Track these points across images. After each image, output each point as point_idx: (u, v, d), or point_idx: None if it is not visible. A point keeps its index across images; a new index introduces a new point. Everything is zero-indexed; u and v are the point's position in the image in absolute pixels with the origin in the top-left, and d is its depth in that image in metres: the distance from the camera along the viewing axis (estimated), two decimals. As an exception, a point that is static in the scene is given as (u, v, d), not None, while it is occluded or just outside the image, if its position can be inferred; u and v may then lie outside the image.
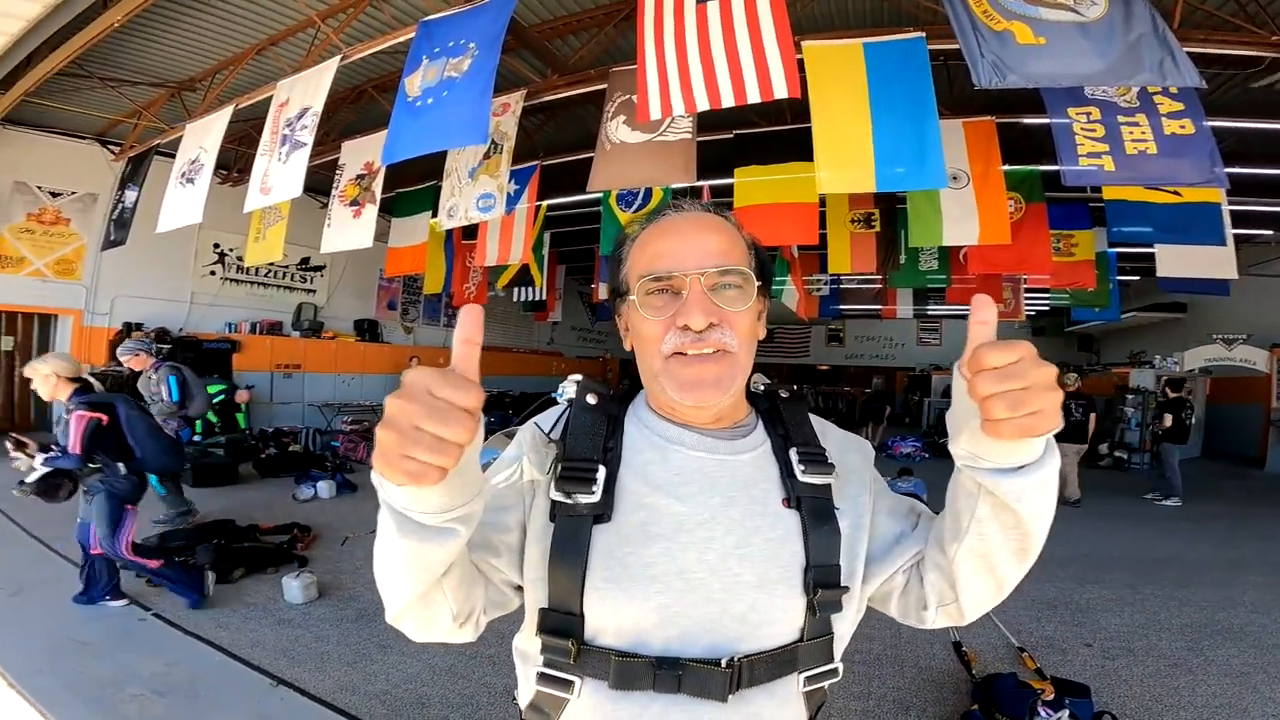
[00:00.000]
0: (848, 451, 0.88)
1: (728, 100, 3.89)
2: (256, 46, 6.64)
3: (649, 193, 7.22)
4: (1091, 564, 5.28)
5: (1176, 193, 5.81)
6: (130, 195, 8.14)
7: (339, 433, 10.42)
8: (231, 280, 11.16)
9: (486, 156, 6.29)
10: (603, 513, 0.76)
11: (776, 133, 6.67)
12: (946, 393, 9.56)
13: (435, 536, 0.61)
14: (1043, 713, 2.62)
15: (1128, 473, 11.25)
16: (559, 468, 0.78)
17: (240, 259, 10.02)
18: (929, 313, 15.46)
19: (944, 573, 0.79)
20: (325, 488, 7.00)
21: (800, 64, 4.40)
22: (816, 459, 0.82)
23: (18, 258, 8.80)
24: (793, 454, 0.82)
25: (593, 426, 0.82)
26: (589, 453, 0.79)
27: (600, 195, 7.50)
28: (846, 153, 4.53)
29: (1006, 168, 6.31)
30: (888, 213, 7.91)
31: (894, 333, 20.88)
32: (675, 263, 0.77)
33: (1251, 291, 10.48)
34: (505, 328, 16.93)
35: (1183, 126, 4.23)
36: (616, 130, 5.45)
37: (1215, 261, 6.62)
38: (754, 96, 3.84)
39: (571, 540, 0.75)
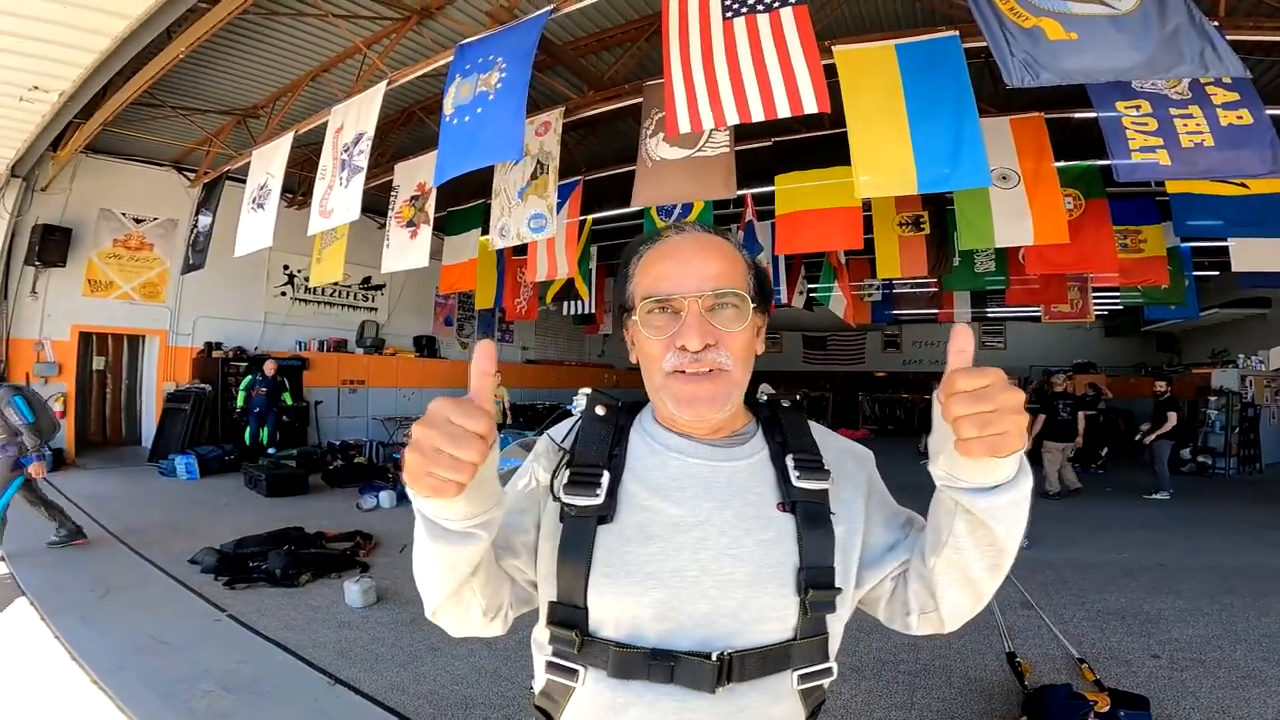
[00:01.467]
0: (845, 460, 0.93)
1: (757, 115, 3.91)
2: (310, 74, 7.01)
3: (689, 205, 7.28)
4: (1166, 573, 5.02)
5: (1244, 184, 5.49)
6: (205, 220, 8.66)
7: (400, 445, 10.78)
8: (300, 300, 11.77)
9: (534, 177, 6.47)
10: (606, 514, 0.83)
11: (816, 138, 6.66)
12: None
13: (460, 540, 0.70)
14: (1094, 725, 2.53)
15: (1212, 479, 10.57)
16: (566, 474, 0.85)
17: (307, 280, 10.60)
18: (989, 315, 14.93)
19: (925, 582, 0.84)
20: (387, 498, 7.26)
21: (832, 69, 4.40)
22: (813, 465, 0.87)
23: (106, 281, 9.50)
24: (789, 460, 0.87)
25: (600, 435, 0.89)
26: (595, 459, 0.86)
27: (643, 209, 7.60)
28: (885, 156, 4.49)
29: (1061, 164, 6.10)
30: (937, 215, 7.73)
31: (953, 337, 20.19)
32: (675, 285, 0.82)
33: (1341, 284, 9.72)
34: (558, 341, 17.22)
35: (1240, 117, 4.03)
36: (656, 147, 5.54)
37: (1293, 254, 6.23)
38: (783, 111, 3.85)
39: (578, 539, 0.82)
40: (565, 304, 11.44)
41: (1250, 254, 6.51)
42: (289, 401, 9.91)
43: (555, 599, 0.83)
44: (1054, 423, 8.43)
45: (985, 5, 3.57)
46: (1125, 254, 7.92)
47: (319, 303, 12.08)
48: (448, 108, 5.05)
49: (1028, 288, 10.05)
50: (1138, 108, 4.29)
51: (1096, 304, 11.52)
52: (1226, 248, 7.03)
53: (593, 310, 11.43)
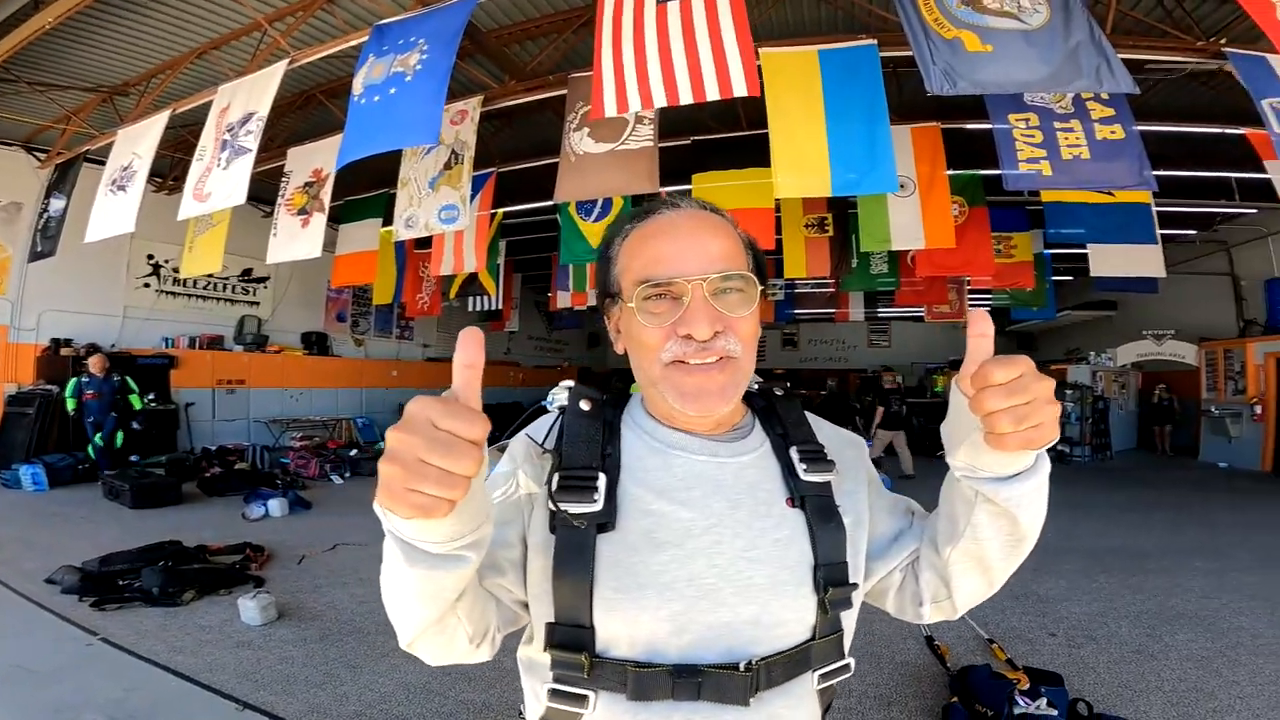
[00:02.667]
0: (843, 447, 0.88)
1: (686, 97, 3.90)
2: (197, 50, 6.40)
3: (609, 201, 7.23)
4: (1046, 554, 5.43)
5: (1109, 194, 6.13)
6: (57, 204, 7.79)
7: (289, 449, 10.06)
8: (168, 293, 10.66)
9: (448, 167, 6.22)
10: (606, 521, 0.74)
11: (733, 139, 6.80)
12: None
13: (445, 564, 0.59)
14: (1021, 702, 2.66)
15: (1069, 465, 11.75)
16: (557, 478, 0.75)
17: (176, 271, 9.60)
18: (879, 315, 15.92)
19: (938, 572, 0.81)
20: (277, 505, 6.73)
21: (758, 70, 4.49)
22: (817, 457, 0.82)
23: (-68, 271, 8.25)
24: (793, 453, 0.82)
25: (589, 433, 0.79)
26: (587, 460, 0.77)
27: (559, 204, 7.49)
28: (803, 158, 4.63)
29: (951, 172, 6.56)
30: (840, 218, 8.12)
31: (846, 335, 21.38)
32: (675, 268, 0.74)
33: (1177, 289, 11.12)
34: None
35: (1113, 132, 4.48)
36: (580, 142, 5.47)
37: (1145, 260, 7.01)
38: (713, 94, 3.87)
39: (575, 552, 0.73)
40: (470, 299, 11.06)
41: (1107, 259, 7.27)
42: (136, 404, 8.63)
43: (554, 619, 0.73)
44: (888, 414, 9.70)
45: (913, 15, 3.75)
46: (999, 259, 8.67)
47: (190, 295, 10.99)
48: (357, 87, 4.74)
49: (914, 289, 10.80)
50: (1027, 120, 4.68)
51: (970, 305, 12.53)
52: (1081, 254, 7.85)
53: (499, 307, 11.13)
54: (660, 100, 3.95)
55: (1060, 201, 6.48)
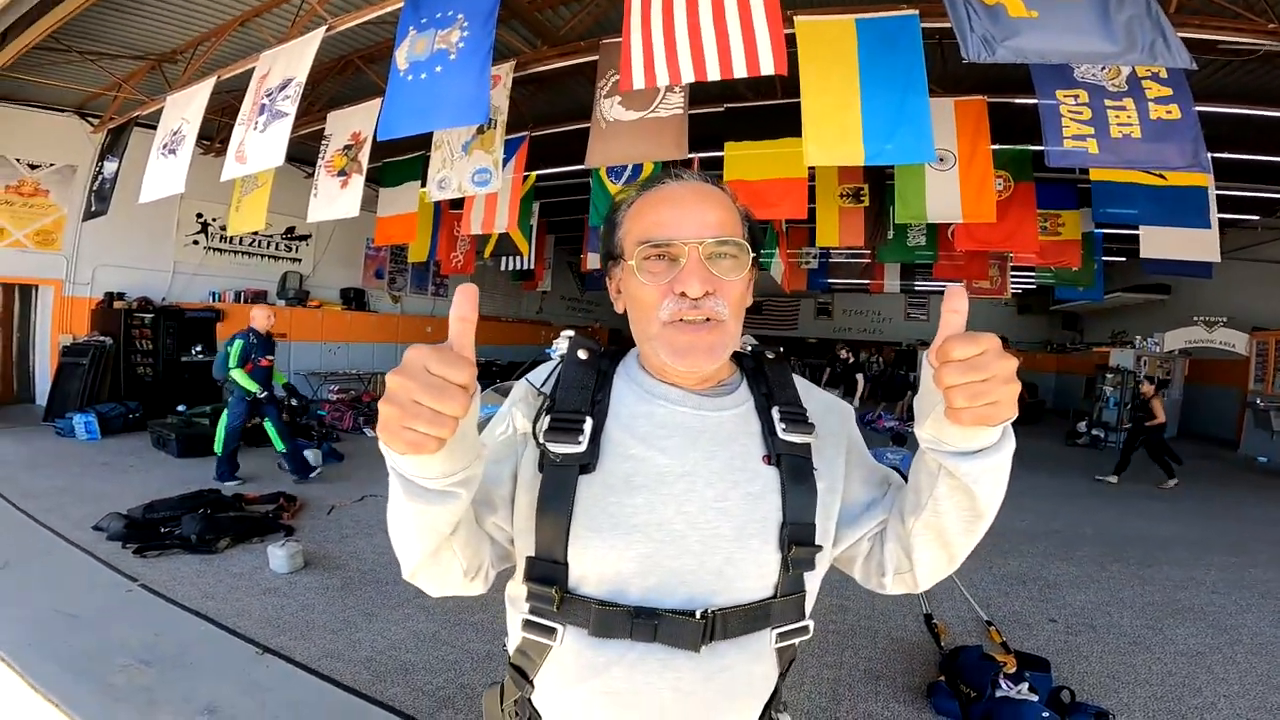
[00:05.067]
0: (828, 413, 0.91)
1: (714, 74, 3.85)
2: (239, 18, 6.48)
3: (639, 166, 7.18)
4: (1062, 540, 5.39)
5: (1162, 175, 5.84)
6: (110, 167, 8.07)
7: (325, 401, 10.40)
8: (215, 250, 11.03)
9: (480, 131, 6.27)
10: (588, 463, 0.79)
11: (767, 107, 6.65)
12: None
13: (439, 499, 0.66)
14: (1004, 685, 2.70)
15: (1103, 451, 11.44)
16: (548, 420, 0.81)
17: (223, 229, 9.89)
18: (916, 288, 15.54)
19: (901, 543, 0.84)
20: (312, 456, 6.95)
21: (791, 39, 4.36)
22: (798, 418, 0.85)
23: (-5, 229, 8.66)
24: (775, 412, 0.85)
25: (582, 380, 0.85)
26: (577, 405, 0.82)
27: (591, 168, 7.47)
28: (836, 127, 4.52)
29: (996, 147, 6.31)
30: (877, 188, 7.90)
31: (882, 307, 20.97)
32: (674, 231, 0.79)
33: (1234, 275, 10.61)
34: (494, 297, 16.84)
35: (1169, 111, 4.24)
36: (611, 109, 5.45)
37: (1199, 244, 6.70)
38: (740, 71, 3.81)
39: (558, 490, 0.78)
40: (504, 259, 11.16)
41: (1158, 242, 6.96)
42: (279, 379, 6.73)
43: (533, 554, 0.79)
44: (878, 383, 9.35)
45: (951, -22, 3.58)
46: (1044, 236, 8.35)
47: (236, 252, 11.34)
48: (401, 62, 4.76)
49: (954, 263, 10.48)
50: (1075, 96, 4.46)
51: (1013, 283, 12.16)
52: (1134, 235, 7.50)
53: (532, 266, 11.21)
54: (688, 76, 3.90)
55: (1110, 181, 6.17)
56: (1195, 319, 12.13)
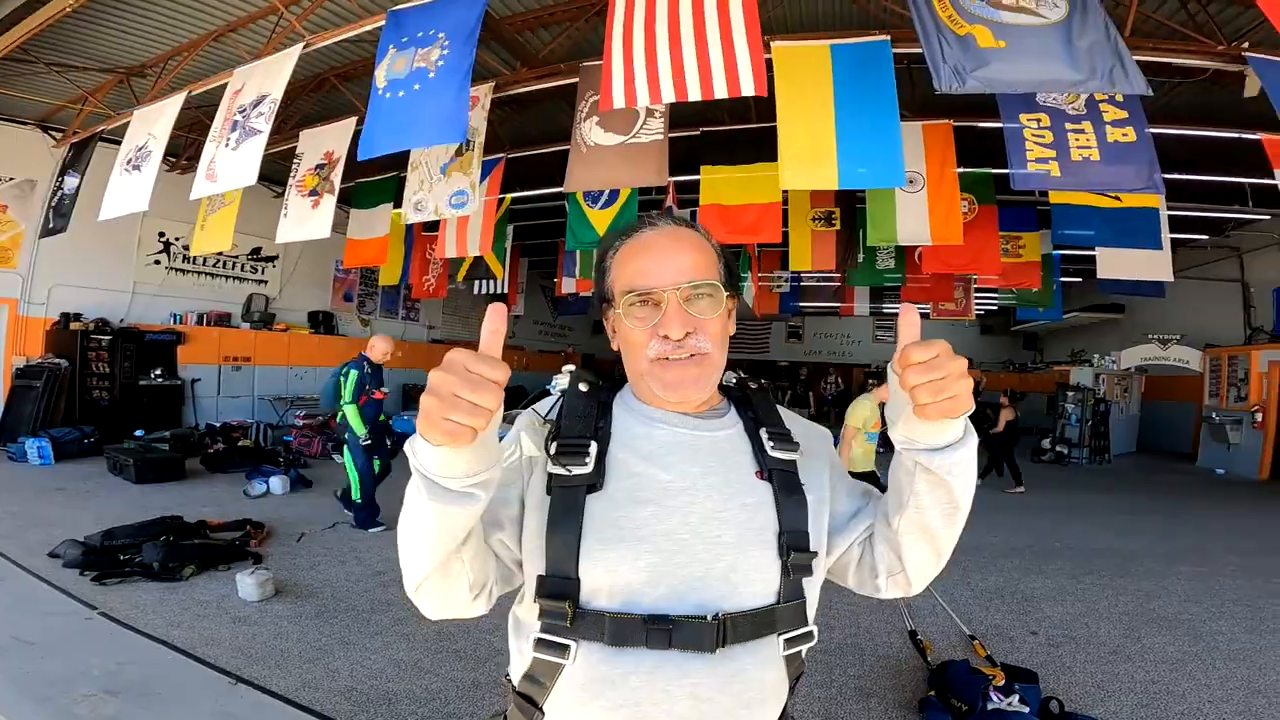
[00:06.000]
0: (811, 436, 0.98)
1: (694, 94, 3.91)
2: (213, 33, 6.41)
3: (616, 190, 7.22)
4: (1035, 555, 5.50)
5: (1117, 197, 6.08)
6: (71, 182, 7.84)
7: (291, 427, 10.13)
8: (177, 270, 10.73)
9: (459, 153, 6.25)
10: (595, 482, 0.84)
11: (743, 131, 6.76)
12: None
13: (458, 500, 0.69)
14: (994, 698, 2.72)
15: (1067, 467, 11.73)
16: (555, 445, 0.86)
17: (186, 249, 9.66)
18: (885, 310, 15.83)
19: (891, 544, 0.90)
20: (278, 483, 6.81)
21: (768, 64, 4.46)
22: (784, 438, 0.92)
23: (-51, 244, 8.32)
24: (763, 433, 0.92)
25: (585, 410, 0.91)
26: (582, 430, 0.88)
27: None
28: (810, 150, 4.62)
29: (961, 170, 6.51)
30: (848, 211, 8.07)
31: (851, 330, 21.33)
32: (654, 280, 0.86)
33: (1186, 293, 11.06)
34: (468, 322, 16.68)
35: (1125, 134, 4.44)
36: (590, 132, 5.48)
37: (1152, 264, 6.98)
38: (721, 92, 3.87)
39: (568, 509, 0.82)
40: (477, 283, 11.10)
41: (1114, 263, 7.24)
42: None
43: (545, 572, 0.82)
44: None
45: (925, 11, 3.72)
46: (1007, 258, 8.62)
47: (199, 273, 11.04)
48: (380, 80, 4.74)
49: (921, 286, 10.74)
50: (1038, 120, 4.64)
51: (976, 304, 12.47)
52: (1090, 255, 7.79)
53: (505, 290, 11.15)
54: (669, 96, 3.95)
55: (1068, 204, 6.41)
56: (1150, 336, 12.60)
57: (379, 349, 5.70)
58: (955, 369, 0.69)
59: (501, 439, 0.91)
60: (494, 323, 0.69)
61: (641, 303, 0.87)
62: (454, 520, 0.71)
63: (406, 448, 0.68)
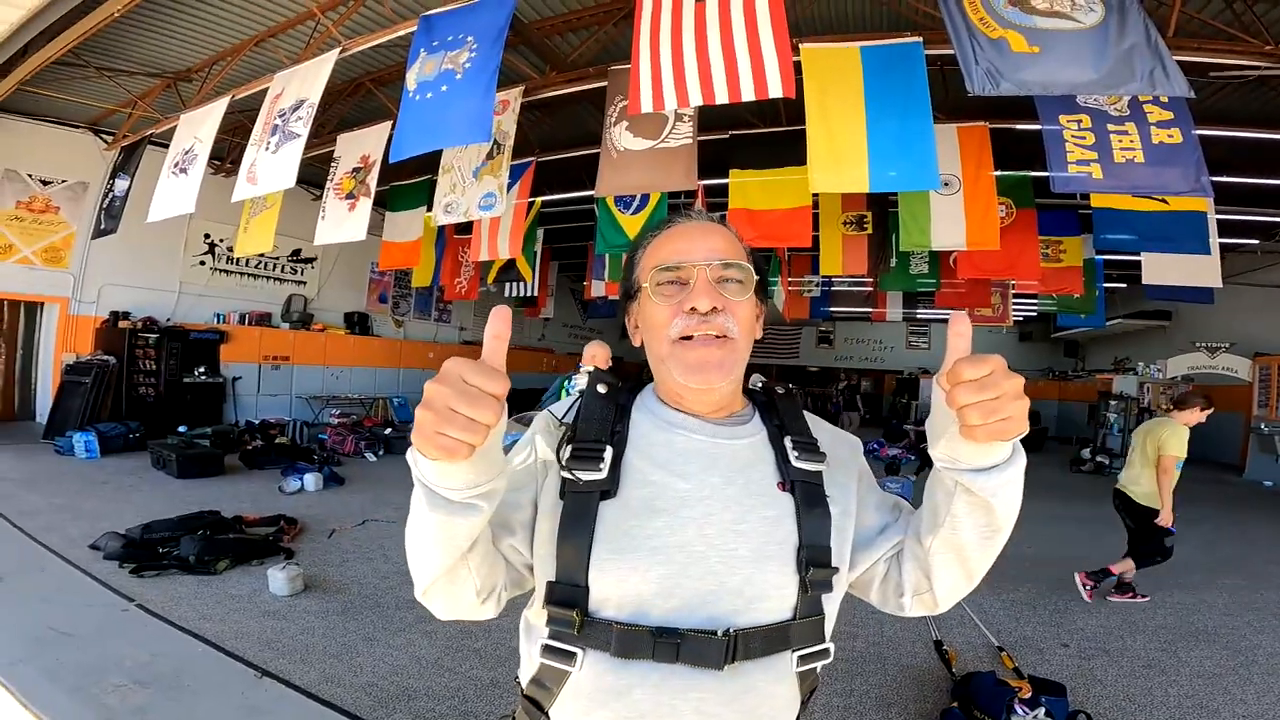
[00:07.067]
0: (838, 445, 0.94)
1: (721, 97, 3.90)
2: (255, 38, 6.61)
3: (646, 195, 7.24)
4: (1071, 566, 5.28)
5: (1163, 201, 5.87)
6: (121, 184, 8.14)
7: (327, 425, 10.36)
8: (221, 271, 11.09)
9: (490, 156, 6.35)
10: (609, 489, 0.81)
11: (772, 134, 6.71)
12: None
13: (460, 511, 0.67)
14: (1019, 710, 2.65)
15: (1108, 477, 11.35)
16: (570, 449, 0.83)
17: (230, 250, 9.96)
18: (918, 316, 15.56)
19: (920, 563, 0.86)
20: (312, 480, 6.95)
21: (797, 65, 4.43)
22: (810, 448, 0.88)
23: (5, 245, 8.70)
24: (787, 442, 0.88)
25: (602, 412, 0.88)
26: (597, 435, 0.85)
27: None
28: (840, 153, 4.57)
29: (998, 173, 6.37)
30: (880, 215, 7.95)
31: (883, 335, 20.99)
32: (685, 256, 0.85)
33: (1235, 300, 10.63)
34: (496, 323, 16.87)
35: (1170, 136, 4.29)
36: (620, 137, 5.50)
37: (1200, 270, 6.72)
38: (749, 94, 3.86)
39: (580, 515, 0.80)
40: (507, 285, 11.22)
41: (1159, 268, 7.00)
42: None
43: (554, 578, 0.80)
44: None
45: (957, 14, 3.66)
46: (1046, 263, 8.38)
47: (241, 274, 11.40)
48: (410, 82, 4.84)
49: (956, 291, 10.50)
50: (1079, 122, 4.51)
51: (1015, 309, 12.17)
52: (1134, 260, 7.53)
53: (535, 293, 11.24)
54: (696, 99, 3.95)
55: (1110, 208, 6.21)
56: (1197, 344, 12.14)
57: (600, 356, 5.90)
58: (1011, 389, 0.64)
59: (516, 441, 0.91)
60: (496, 327, 0.65)
61: (670, 281, 0.86)
62: (457, 530, 0.69)
63: (408, 456, 0.66)
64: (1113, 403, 12.10)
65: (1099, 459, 11.86)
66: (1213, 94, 6.07)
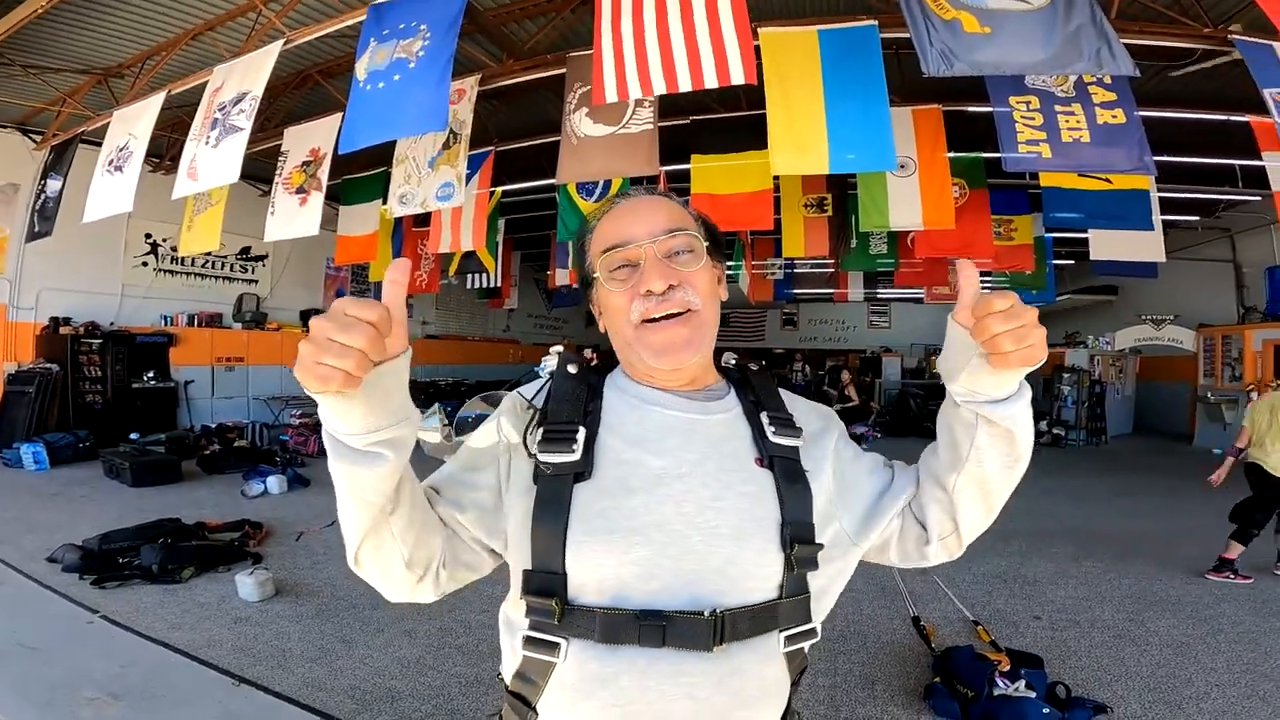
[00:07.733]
0: (813, 419, 0.94)
1: (684, 85, 3.89)
2: (192, 31, 6.32)
3: (608, 181, 7.19)
4: (1036, 538, 5.49)
5: (1108, 180, 6.08)
6: (54, 185, 7.75)
7: (288, 426, 10.09)
8: (165, 271, 10.65)
9: (446, 146, 6.19)
10: (583, 470, 0.79)
11: (733, 119, 6.72)
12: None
13: (365, 461, 0.66)
14: (1000, 683, 2.72)
15: (1065, 449, 11.79)
16: (539, 432, 0.81)
17: (174, 249, 9.57)
18: (879, 296, 15.82)
19: (944, 506, 0.86)
20: (275, 483, 6.79)
21: (757, 50, 4.44)
22: (786, 423, 0.88)
23: (-70, 252, 8.23)
24: (764, 417, 0.87)
25: (573, 393, 0.86)
26: (569, 416, 0.83)
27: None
28: (800, 136, 4.60)
29: (952, 155, 6.50)
30: (840, 198, 8.06)
31: (845, 316, 21.31)
32: (628, 236, 0.84)
33: (1178, 274, 11.08)
34: (460, 316, 16.63)
35: (1115, 116, 4.43)
36: (580, 123, 5.44)
37: (1144, 245, 6.97)
38: (711, 81, 3.85)
39: (553, 500, 0.78)
40: (469, 277, 11.04)
41: (1106, 244, 7.22)
42: None
43: (530, 566, 0.78)
44: None
45: (912, -3, 3.70)
46: (999, 241, 8.61)
47: (188, 274, 10.96)
48: (360, 72, 4.70)
49: (914, 270, 10.76)
50: (1028, 103, 4.63)
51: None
52: (1081, 238, 7.78)
53: (499, 284, 11.10)
54: (660, 88, 3.94)
55: (1059, 187, 6.41)
56: (1143, 317, 12.64)
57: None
58: (1031, 318, 0.68)
59: (479, 420, 0.89)
60: (395, 272, 0.66)
61: (621, 264, 0.84)
62: (364, 482, 0.67)
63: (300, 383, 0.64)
64: (1065, 375, 12.52)
65: (1055, 431, 12.28)
66: (1153, 75, 6.28)
